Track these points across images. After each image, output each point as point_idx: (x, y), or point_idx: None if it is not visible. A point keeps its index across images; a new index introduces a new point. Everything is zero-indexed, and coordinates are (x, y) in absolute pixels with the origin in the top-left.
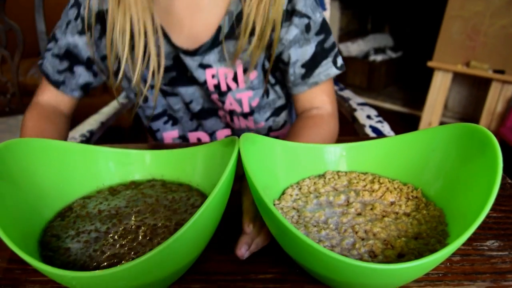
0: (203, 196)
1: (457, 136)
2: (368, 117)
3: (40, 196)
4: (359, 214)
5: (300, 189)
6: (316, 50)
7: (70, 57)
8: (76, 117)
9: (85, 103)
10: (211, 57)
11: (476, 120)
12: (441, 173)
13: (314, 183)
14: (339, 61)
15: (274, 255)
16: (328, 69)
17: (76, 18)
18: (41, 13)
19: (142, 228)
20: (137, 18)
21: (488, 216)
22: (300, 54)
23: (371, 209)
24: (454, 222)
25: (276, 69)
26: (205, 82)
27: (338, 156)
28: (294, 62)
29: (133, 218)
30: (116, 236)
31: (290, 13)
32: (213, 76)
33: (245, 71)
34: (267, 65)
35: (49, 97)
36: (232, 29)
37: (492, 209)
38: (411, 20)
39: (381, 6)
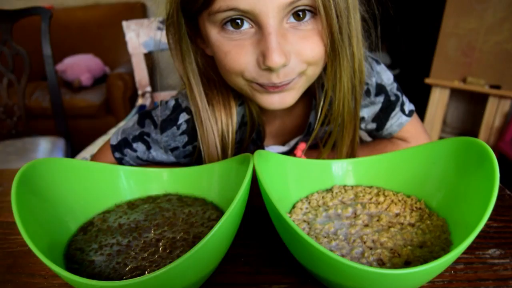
0: (218, 210)
1: (456, 149)
2: None
3: (65, 211)
4: (366, 226)
5: (309, 203)
6: (382, 106)
7: (162, 163)
8: (83, 137)
9: (90, 124)
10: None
11: (475, 135)
12: (442, 185)
13: (323, 197)
14: (407, 107)
15: (287, 266)
16: (398, 119)
17: (184, 146)
18: (47, 38)
19: (162, 241)
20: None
21: (489, 226)
22: (366, 112)
23: (378, 220)
24: (456, 231)
25: None
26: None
27: (344, 171)
28: (364, 119)
29: (152, 232)
30: (137, 250)
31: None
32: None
33: None
34: None
35: None
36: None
37: (492, 219)
38: (408, 39)
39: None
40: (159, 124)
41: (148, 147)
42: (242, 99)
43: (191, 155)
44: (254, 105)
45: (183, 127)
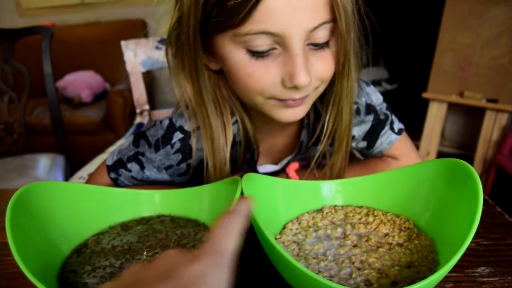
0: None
1: (442, 170)
2: None
3: (59, 233)
4: (355, 246)
5: (299, 223)
6: (372, 124)
7: (157, 183)
8: (83, 153)
9: (90, 140)
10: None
11: (473, 148)
12: (430, 205)
13: (313, 217)
14: (396, 126)
15: (277, 286)
16: (388, 137)
17: (178, 164)
18: (48, 56)
19: None
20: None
21: (479, 244)
22: (357, 130)
23: (366, 240)
24: (444, 251)
25: None
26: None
27: (334, 192)
28: (355, 137)
29: (145, 253)
30: None
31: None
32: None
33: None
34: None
35: None
36: (310, 137)
37: (482, 237)
38: (405, 54)
39: (376, 41)
40: (153, 144)
41: (142, 167)
42: (236, 118)
43: (185, 174)
44: (249, 124)
45: (177, 145)
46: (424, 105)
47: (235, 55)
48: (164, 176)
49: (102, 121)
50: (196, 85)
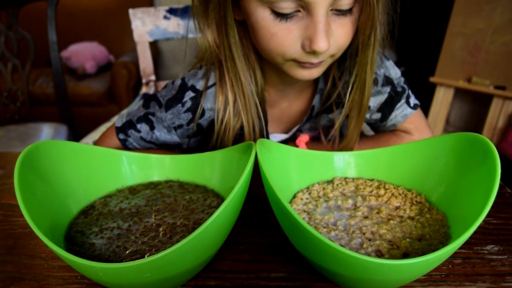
0: (219, 198)
1: (458, 144)
2: None
3: (67, 193)
4: (366, 217)
5: (310, 193)
6: (389, 96)
7: (167, 146)
8: (85, 125)
9: (93, 112)
10: (303, 127)
11: None
12: (444, 180)
13: (323, 188)
14: (412, 101)
15: (286, 256)
16: (403, 111)
17: (188, 123)
18: (53, 24)
19: (162, 226)
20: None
21: (488, 223)
22: (373, 101)
23: (377, 212)
24: (455, 226)
25: None
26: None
27: (346, 163)
28: (370, 108)
29: (153, 217)
30: (138, 234)
31: None
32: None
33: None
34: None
35: None
36: (323, 104)
37: (492, 216)
38: (414, 37)
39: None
40: (164, 103)
41: (152, 128)
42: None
43: (194, 135)
44: (261, 79)
45: (188, 104)
46: (430, 89)
47: (260, 13)
48: (173, 137)
49: (106, 93)
50: (226, 41)
